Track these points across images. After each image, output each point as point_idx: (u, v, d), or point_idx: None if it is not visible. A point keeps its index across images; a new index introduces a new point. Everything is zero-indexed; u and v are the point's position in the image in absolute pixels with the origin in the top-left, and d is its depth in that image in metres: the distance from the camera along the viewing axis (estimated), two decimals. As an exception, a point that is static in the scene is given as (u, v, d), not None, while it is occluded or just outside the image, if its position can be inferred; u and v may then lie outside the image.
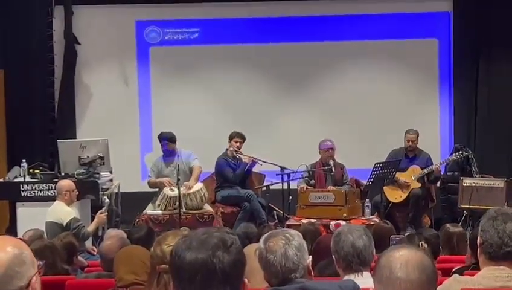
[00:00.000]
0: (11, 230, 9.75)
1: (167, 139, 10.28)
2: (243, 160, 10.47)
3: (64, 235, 7.02)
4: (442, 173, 11.11)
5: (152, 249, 4.09)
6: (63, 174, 9.94)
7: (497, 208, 3.51)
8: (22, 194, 9.75)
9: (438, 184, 11.29)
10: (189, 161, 10.31)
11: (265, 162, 10.18)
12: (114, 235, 6.13)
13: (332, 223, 9.39)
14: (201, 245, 2.56)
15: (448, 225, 6.60)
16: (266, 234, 3.69)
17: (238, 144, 10.52)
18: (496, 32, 11.90)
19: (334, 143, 10.45)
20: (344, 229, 4.22)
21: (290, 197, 9.77)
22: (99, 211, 8.81)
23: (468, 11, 12.00)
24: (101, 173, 10.11)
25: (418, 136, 10.68)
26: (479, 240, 3.45)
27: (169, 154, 10.29)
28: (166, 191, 9.89)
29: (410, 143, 10.63)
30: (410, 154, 10.68)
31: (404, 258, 2.64)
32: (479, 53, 12.01)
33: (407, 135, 10.66)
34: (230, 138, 10.58)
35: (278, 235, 3.63)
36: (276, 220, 10.40)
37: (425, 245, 6.22)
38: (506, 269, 3.36)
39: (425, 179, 10.62)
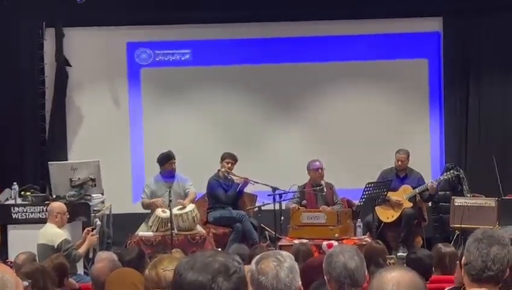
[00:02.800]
0: (2, 252, 9.71)
1: (174, 158, 10.27)
2: (235, 180, 10.48)
3: (56, 257, 6.99)
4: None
5: (147, 271, 4.08)
6: (54, 196, 9.91)
7: (483, 230, 3.52)
8: (13, 217, 9.73)
9: (430, 203, 11.30)
10: (186, 185, 10.32)
11: (257, 182, 10.17)
12: (105, 258, 6.10)
13: (325, 243, 9.38)
14: (204, 268, 2.56)
15: (440, 245, 6.59)
16: (258, 256, 3.67)
17: (229, 164, 10.53)
18: (486, 52, 11.98)
19: (323, 163, 10.47)
20: (336, 250, 4.22)
21: (282, 218, 9.74)
22: (91, 233, 8.75)
23: (458, 31, 12.07)
24: (93, 195, 10.09)
25: (408, 156, 10.71)
26: (463, 260, 3.47)
27: (172, 175, 10.27)
28: (158, 212, 9.87)
29: (400, 163, 10.67)
30: (401, 174, 10.71)
31: (396, 279, 2.65)
32: (469, 72, 12.07)
33: (397, 155, 10.70)
34: (222, 158, 10.58)
35: (269, 257, 3.61)
36: (268, 241, 10.37)
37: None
38: None
39: (417, 198, 10.62)
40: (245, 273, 2.65)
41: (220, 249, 8.96)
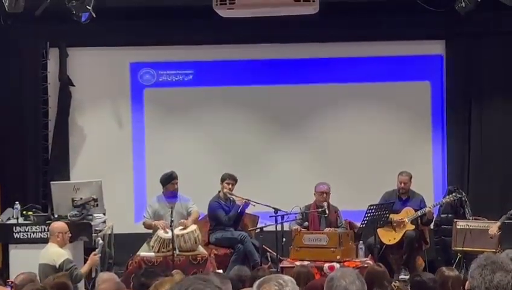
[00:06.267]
0: (4, 272, 9.70)
1: (177, 178, 10.28)
2: (236, 202, 10.47)
3: (58, 276, 6.96)
4: (435, 216, 11.12)
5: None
6: (56, 216, 9.91)
7: (487, 255, 3.51)
8: (15, 236, 9.74)
9: (432, 226, 11.29)
10: (188, 204, 10.32)
11: (258, 203, 10.16)
12: (108, 279, 6.10)
13: (326, 265, 9.38)
14: None
15: (444, 269, 6.57)
16: (259, 280, 3.66)
17: (230, 185, 10.53)
18: (488, 75, 11.99)
19: (330, 187, 10.45)
20: (337, 273, 4.19)
21: (284, 239, 9.74)
22: (93, 253, 8.79)
23: (461, 54, 12.08)
24: (95, 215, 10.09)
25: (411, 178, 10.71)
26: (467, 285, 3.47)
27: (174, 195, 10.27)
28: (160, 232, 9.86)
29: (403, 185, 10.66)
30: (403, 197, 10.70)
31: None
32: (472, 96, 12.07)
33: (400, 177, 10.70)
34: (222, 180, 10.58)
35: (271, 281, 3.60)
36: (270, 262, 10.36)
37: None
38: None
39: (419, 221, 10.62)
40: None
41: (221, 271, 8.96)
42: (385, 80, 12.25)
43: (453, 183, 11.68)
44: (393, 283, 7.35)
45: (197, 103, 12.34)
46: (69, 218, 9.69)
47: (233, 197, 10.51)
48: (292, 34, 11.94)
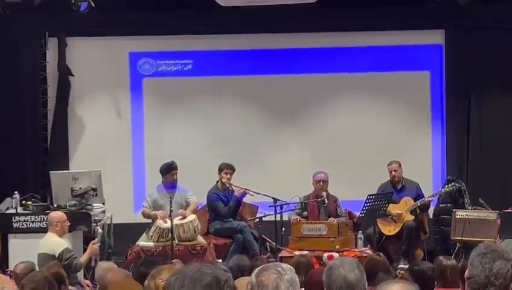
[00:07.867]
0: (3, 262, 9.71)
1: (176, 169, 10.27)
2: (234, 192, 10.44)
3: (51, 265, 6.93)
4: (434, 205, 11.13)
5: (146, 282, 4.08)
6: (55, 205, 9.90)
7: (487, 244, 3.52)
8: (14, 226, 9.73)
9: (431, 216, 11.30)
10: (187, 195, 10.32)
11: (258, 193, 10.13)
12: (112, 268, 6.10)
13: (325, 255, 9.39)
14: (194, 284, 2.52)
15: (441, 258, 6.57)
16: (258, 268, 3.66)
17: (228, 175, 10.51)
18: (488, 65, 11.96)
19: (328, 176, 10.45)
20: (336, 262, 4.20)
21: (283, 229, 9.75)
22: (92, 242, 8.79)
23: (460, 44, 12.06)
24: (94, 205, 10.07)
25: (400, 165, 10.71)
26: (466, 273, 3.48)
27: (174, 185, 10.26)
28: (159, 222, 9.86)
29: (394, 173, 10.68)
30: (397, 186, 10.71)
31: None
32: (471, 85, 12.07)
33: (389, 167, 10.74)
34: (220, 169, 10.56)
35: (270, 269, 3.60)
36: (269, 252, 10.36)
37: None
38: None
39: (418, 210, 10.62)
40: (234, 282, 2.63)
41: (220, 260, 8.96)
42: (384, 69, 12.24)
43: (452, 173, 11.68)
44: (398, 270, 7.38)
45: (196, 92, 12.33)
46: (68, 208, 9.68)
47: (232, 186, 10.50)
48: (291, 24, 11.93)
